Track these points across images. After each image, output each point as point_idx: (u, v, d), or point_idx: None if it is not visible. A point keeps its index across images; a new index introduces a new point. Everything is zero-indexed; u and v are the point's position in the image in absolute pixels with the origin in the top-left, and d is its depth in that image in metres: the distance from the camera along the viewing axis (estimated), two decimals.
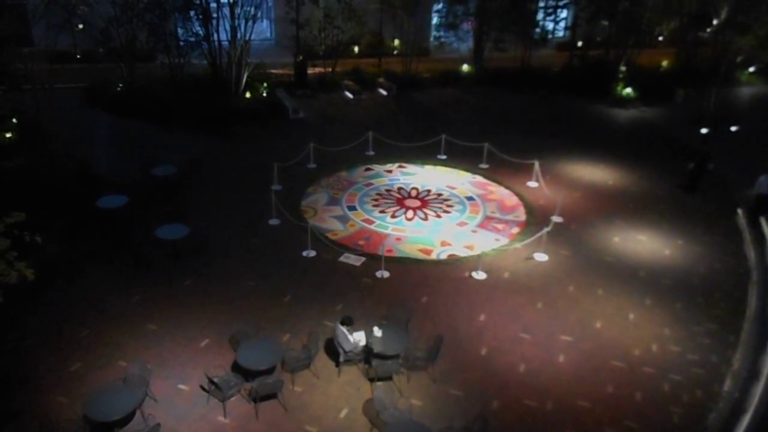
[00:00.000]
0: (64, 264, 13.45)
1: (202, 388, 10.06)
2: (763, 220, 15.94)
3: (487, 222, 16.09)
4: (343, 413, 9.76)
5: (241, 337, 10.70)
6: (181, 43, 23.46)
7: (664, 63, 31.66)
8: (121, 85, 23.82)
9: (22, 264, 7.42)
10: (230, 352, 10.90)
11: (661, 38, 34.13)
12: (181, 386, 10.18)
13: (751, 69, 30.64)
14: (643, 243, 15.30)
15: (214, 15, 23.00)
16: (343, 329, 10.43)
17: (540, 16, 31.49)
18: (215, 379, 9.60)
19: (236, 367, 10.23)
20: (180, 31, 23.95)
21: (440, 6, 31.04)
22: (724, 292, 13.25)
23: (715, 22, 30.06)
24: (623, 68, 28.53)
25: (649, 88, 27.23)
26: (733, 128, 23.79)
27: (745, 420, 9.57)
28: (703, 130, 23.47)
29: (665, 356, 11.24)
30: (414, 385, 10.33)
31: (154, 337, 11.36)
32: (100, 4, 22.05)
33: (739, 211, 16.94)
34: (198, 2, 22.55)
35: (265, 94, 24.52)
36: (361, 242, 14.86)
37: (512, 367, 10.90)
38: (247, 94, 23.83)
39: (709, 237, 15.61)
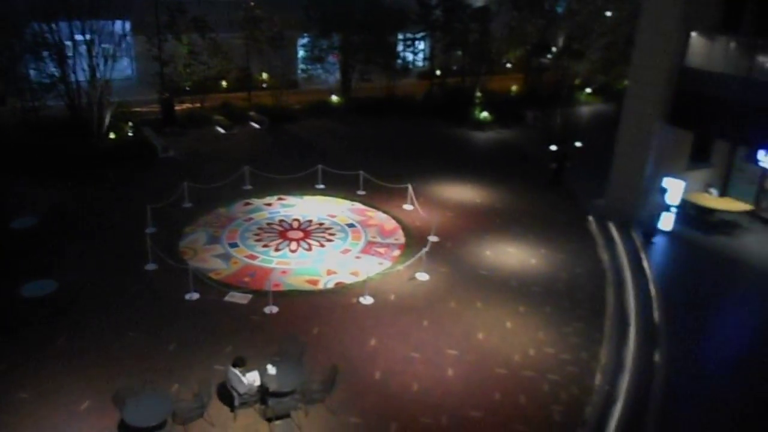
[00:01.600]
0: None
1: None
2: (611, 225, 17.89)
3: (369, 247, 16.55)
4: None
5: (126, 393, 10.10)
6: (34, 86, 21.85)
7: (514, 88, 34.63)
8: None
9: None
10: (114, 412, 10.22)
11: (509, 65, 37.35)
12: None
13: (588, 90, 34.36)
14: (512, 254, 16.54)
15: (70, 54, 21.72)
16: (236, 371, 10.21)
17: (400, 47, 33.17)
18: None
19: (123, 427, 9.65)
20: (32, 72, 22.31)
21: (305, 40, 31.68)
22: (586, 294, 14.69)
23: (554, 49, 33.56)
24: (479, 94, 30.86)
25: (503, 111, 29.64)
26: (578, 144, 26.48)
27: (617, 409, 10.65)
28: (553, 147, 25.89)
29: (542, 358, 12.21)
30: (313, 419, 10.33)
31: (27, 406, 10.36)
32: None
33: (590, 218, 18.88)
34: (51, 41, 21.19)
35: (130, 134, 23.44)
36: (247, 279, 14.66)
37: (406, 387, 11.27)
38: (111, 135, 22.63)
39: (568, 244, 17.22)
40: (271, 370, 10.36)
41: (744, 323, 13.93)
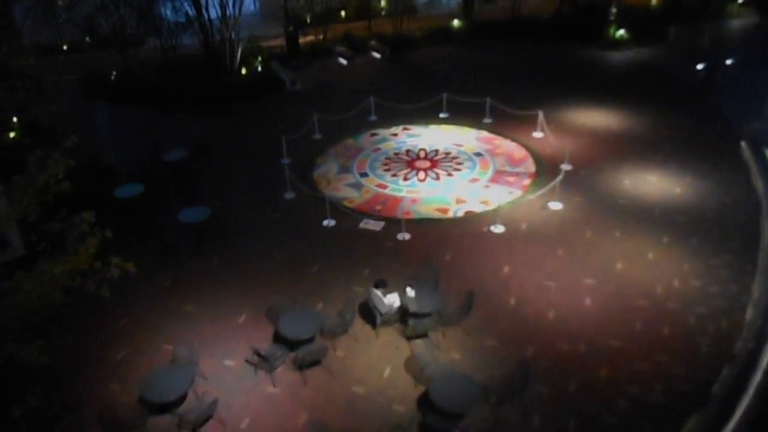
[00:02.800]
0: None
1: (248, 361, 10.41)
2: None
3: (498, 176, 16.32)
4: (386, 372, 10.16)
5: (279, 309, 11.03)
6: (172, 25, 23.20)
7: (654, 1, 31.47)
8: (114, 73, 23.62)
9: (117, 259, 7.64)
10: (268, 325, 11.25)
11: None
12: (228, 362, 10.54)
13: (740, 1, 30.49)
14: (654, 183, 15.58)
15: None
16: (377, 292, 10.76)
17: None
18: (262, 352, 9.94)
19: (278, 338, 10.59)
20: (169, 12, 23.66)
21: None
22: (737, 225, 13.61)
23: None
24: (614, 10, 28.39)
25: (642, 28, 27.11)
26: (729, 61, 23.87)
27: None
28: (700, 66, 23.56)
29: (687, 291, 11.65)
30: (450, 340, 10.71)
31: (192, 318, 11.66)
32: None
33: (743, 143, 17.19)
34: None
35: (260, 69, 24.37)
36: (378, 207, 15.11)
37: (541, 314, 11.29)
38: (243, 70, 23.68)
39: (717, 172, 15.89)
40: (410, 292, 10.78)
41: None
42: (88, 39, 24.48)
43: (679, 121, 18.98)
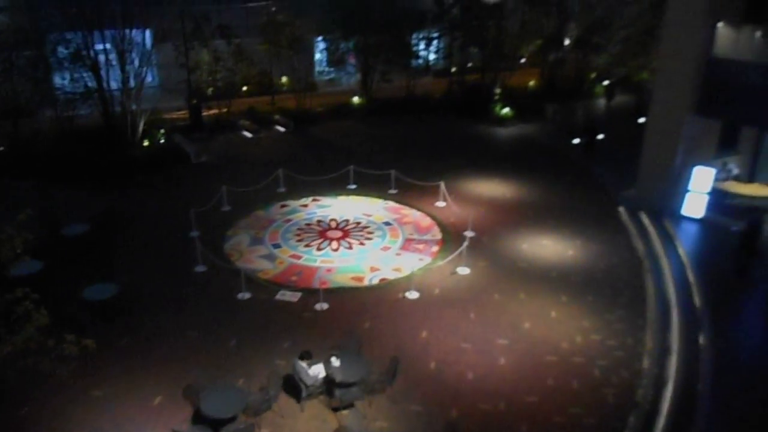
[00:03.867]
0: None
1: None
2: (643, 215, 18.22)
3: (408, 244, 16.98)
4: None
5: (198, 387, 10.60)
6: (69, 96, 22.46)
7: (531, 83, 34.90)
8: (2, 147, 22.23)
9: (71, 335, 7.15)
10: (187, 405, 10.75)
11: (523, 60, 37.58)
12: None
13: (605, 83, 34.61)
14: (548, 247, 16.91)
15: (102, 64, 22.35)
16: (303, 364, 10.69)
17: (418, 47, 33.52)
18: None
19: (198, 419, 10.14)
20: (66, 82, 22.90)
21: (323, 44, 32.18)
22: (625, 282, 15.04)
23: (567, 42, 33.84)
24: (498, 90, 31.19)
25: (523, 106, 29.92)
26: (600, 136, 26.82)
27: (669, 390, 11.01)
28: (575, 141, 26.26)
29: (589, 345, 12.60)
30: (376, 409, 10.77)
31: (103, 403, 10.88)
32: None
33: (620, 209, 19.21)
34: (85, 52, 21.79)
35: (162, 141, 23.99)
36: (294, 278, 15.13)
37: (461, 376, 11.69)
38: (145, 142, 23.19)
39: (602, 235, 17.57)
40: (335, 362, 10.81)
41: None
42: None
43: (565, 190, 20.92)
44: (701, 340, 12.53)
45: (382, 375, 11.05)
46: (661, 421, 10.38)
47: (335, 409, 10.68)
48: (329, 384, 10.78)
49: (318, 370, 10.78)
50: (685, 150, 17.76)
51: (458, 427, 9.96)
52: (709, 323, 13.12)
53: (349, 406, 10.71)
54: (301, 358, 10.76)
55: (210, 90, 28.01)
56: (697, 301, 13.97)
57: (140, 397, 11.06)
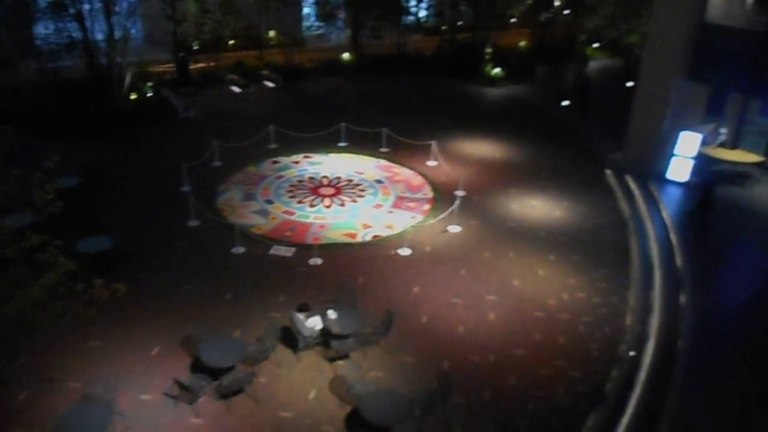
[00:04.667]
0: None
1: (166, 394, 10.10)
2: (629, 178, 18.56)
3: (399, 202, 17.16)
4: (312, 395, 10.33)
5: (197, 338, 10.84)
6: (53, 47, 21.88)
7: (522, 43, 34.70)
8: None
9: (100, 281, 7.28)
10: (185, 356, 11.00)
11: (513, 20, 37.28)
12: (144, 396, 10.14)
13: (595, 45, 34.56)
14: (537, 207, 17.22)
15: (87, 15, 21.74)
16: (300, 316, 10.95)
17: (410, 2, 33.05)
18: (185, 382, 9.73)
19: (197, 368, 10.41)
20: (49, 32, 22.27)
21: None
22: (611, 242, 15.45)
23: (557, 3, 33.57)
24: (489, 50, 30.99)
25: (514, 67, 29.83)
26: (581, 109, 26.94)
27: (650, 346, 11.51)
28: (565, 103, 26.39)
29: (575, 302, 13.04)
30: (371, 360, 11.12)
31: (100, 353, 11.08)
32: None
33: (607, 171, 19.52)
34: (68, 2, 21.15)
35: (149, 94, 23.61)
36: (288, 233, 15.28)
37: (452, 329, 12.08)
38: (133, 95, 22.81)
39: (589, 196, 17.90)
40: (332, 314, 11.09)
41: (760, 267, 14.75)
42: None
43: (554, 152, 21.14)
44: (682, 298, 13.01)
45: (376, 327, 11.38)
46: (642, 376, 10.87)
47: (331, 360, 11.01)
48: (326, 336, 11.09)
49: (315, 323, 11.06)
50: (673, 115, 17.99)
51: (450, 376, 10.36)
52: (690, 283, 13.60)
53: (345, 356, 11.05)
54: (299, 310, 11.00)
55: (196, 43, 27.47)
56: (678, 261, 14.43)
57: (138, 347, 11.27)
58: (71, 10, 21.42)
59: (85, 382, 10.02)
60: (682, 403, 10.19)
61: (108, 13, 21.60)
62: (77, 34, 21.89)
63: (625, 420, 9.76)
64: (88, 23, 21.87)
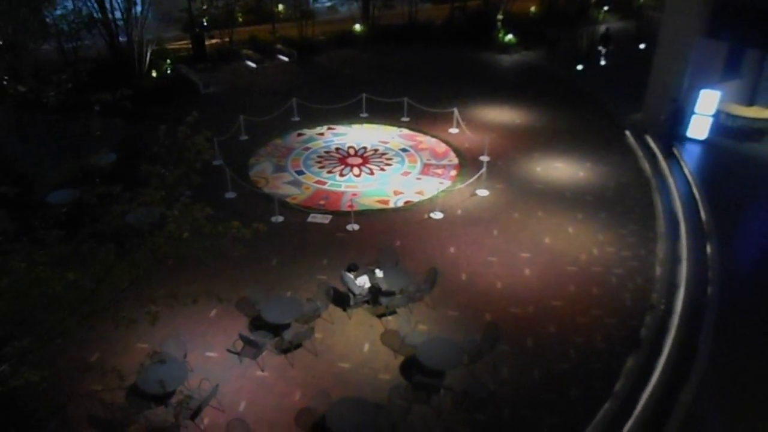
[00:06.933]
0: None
1: (230, 351, 10.76)
2: (648, 138, 18.97)
3: (427, 169, 17.64)
4: (366, 348, 10.99)
5: (254, 299, 11.46)
6: (73, 26, 22.14)
7: (533, 8, 34.72)
8: (6, 78, 22.01)
9: (236, 222, 7.80)
10: (240, 317, 11.64)
11: None
12: (210, 354, 10.82)
13: (605, 8, 34.54)
14: (561, 169, 17.69)
15: None
16: (350, 275, 11.54)
17: None
18: (251, 337, 10.37)
19: (257, 326, 11.07)
20: (68, 11, 22.50)
21: None
22: (635, 200, 15.96)
23: None
24: (500, 16, 31.07)
25: (526, 33, 29.96)
26: (603, 62, 27.18)
27: (680, 293, 12.09)
28: (579, 67, 26.62)
29: (605, 256, 13.61)
30: (417, 314, 11.75)
31: (161, 317, 11.65)
32: None
33: (627, 132, 19.92)
34: None
35: (169, 71, 23.94)
36: (322, 202, 15.81)
37: (491, 285, 12.68)
38: (153, 73, 23.15)
39: (611, 157, 18.35)
40: (379, 273, 11.69)
41: None
42: None
43: (572, 115, 21.52)
44: (708, 249, 13.55)
45: (420, 284, 11.98)
46: (675, 320, 11.48)
47: (380, 316, 11.64)
48: (375, 293, 11.69)
49: (364, 281, 11.66)
50: (692, 73, 18.31)
51: (497, 325, 10.98)
52: (715, 234, 14.12)
53: (392, 312, 11.68)
54: (349, 270, 11.59)
55: (205, 19, 27.66)
56: (703, 215, 14.93)
57: (195, 311, 11.82)
58: None
59: (156, 342, 10.64)
60: (714, 346, 10.79)
61: None
62: (97, 14, 22.10)
63: (662, 360, 10.38)
64: (106, 2, 22.08)
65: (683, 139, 18.58)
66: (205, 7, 27.41)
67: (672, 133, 18.11)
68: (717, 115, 18.51)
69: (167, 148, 7.60)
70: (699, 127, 18.57)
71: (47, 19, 22.53)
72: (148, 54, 22.99)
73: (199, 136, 7.24)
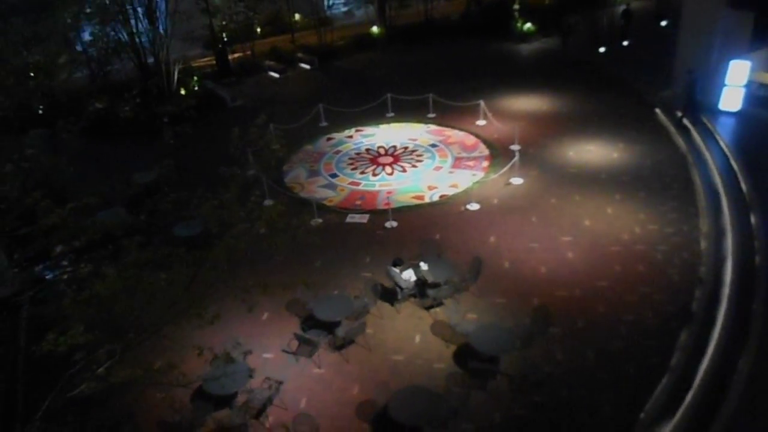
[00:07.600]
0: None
1: (285, 351, 11.03)
2: (679, 113, 18.79)
3: (458, 162, 17.75)
4: (417, 339, 11.15)
5: (305, 299, 11.72)
6: (102, 51, 22.82)
7: None
8: (41, 107, 22.78)
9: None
10: (292, 318, 11.90)
11: None
12: (266, 355, 11.10)
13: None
14: (594, 152, 17.63)
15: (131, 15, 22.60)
16: (396, 270, 11.73)
17: None
18: (306, 335, 10.63)
19: (310, 325, 11.32)
20: (96, 38, 23.17)
21: None
22: (672, 176, 15.84)
23: None
24: (516, 6, 30.99)
25: (544, 20, 29.86)
26: (625, 43, 26.96)
27: (728, 266, 11.99)
28: (601, 49, 26.43)
29: (648, 234, 13.55)
30: (464, 304, 11.87)
31: (217, 323, 12.01)
32: None
33: (657, 110, 19.75)
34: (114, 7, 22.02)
35: (196, 88, 24.49)
36: (359, 202, 16.04)
37: (535, 271, 12.74)
38: (182, 91, 23.71)
39: (643, 136, 18.23)
40: (424, 266, 11.85)
41: None
42: None
43: (599, 98, 21.41)
44: (753, 219, 13.39)
45: (465, 274, 12.10)
46: (726, 291, 11.39)
47: (428, 308, 11.79)
48: (421, 285, 11.85)
49: (410, 275, 11.83)
50: (720, 45, 18.09)
51: (537, 313, 11.05)
52: (757, 204, 13.94)
53: (440, 303, 11.83)
54: (394, 265, 11.79)
55: (224, 35, 28.19)
56: (743, 186, 14.75)
57: (249, 316, 12.14)
58: (117, 15, 22.25)
59: (216, 345, 10.92)
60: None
61: (150, 11, 22.36)
62: (124, 37, 22.72)
63: (716, 331, 10.32)
64: (132, 24, 22.70)
65: (715, 111, 18.37)
66: (224, 22, 27.94)
67: (689, 104, 18.03)
68: (749, 86, 18.24)
69: (241, 149, 7.95)
70: (732, 98, 18.32)
71: (77, 47, 23.30)
72: (176, 72, 23.54)
73: (271, 134, 7.53)
